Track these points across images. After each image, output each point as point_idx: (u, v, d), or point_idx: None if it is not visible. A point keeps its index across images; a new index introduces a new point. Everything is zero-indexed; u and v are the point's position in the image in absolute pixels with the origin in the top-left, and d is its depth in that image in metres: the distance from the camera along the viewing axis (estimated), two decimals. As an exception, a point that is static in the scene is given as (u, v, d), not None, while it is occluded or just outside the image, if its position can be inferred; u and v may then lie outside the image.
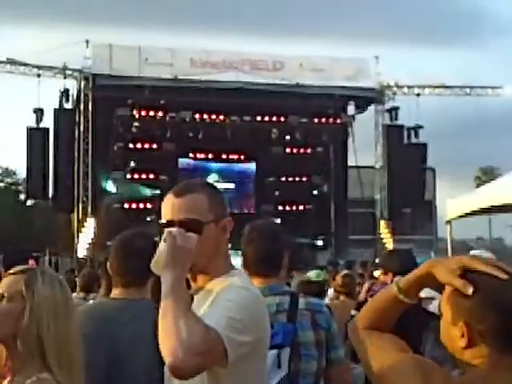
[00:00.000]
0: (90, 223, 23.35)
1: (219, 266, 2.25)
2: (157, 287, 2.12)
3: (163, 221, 2.25)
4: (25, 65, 23.81)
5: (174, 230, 2.11)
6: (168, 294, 1.98)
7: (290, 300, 3.16)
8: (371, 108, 27.00)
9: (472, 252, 5.27)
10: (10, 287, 2.10)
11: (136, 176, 26.31)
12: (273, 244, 3.25)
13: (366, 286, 5.07)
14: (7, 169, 43.46)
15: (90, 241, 23.14)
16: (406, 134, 25.74)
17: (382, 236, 25.83)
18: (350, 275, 7.21)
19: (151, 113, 25.05)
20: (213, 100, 24.29)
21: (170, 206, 2.25)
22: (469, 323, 1.62)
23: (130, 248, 2.98)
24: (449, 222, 8.88)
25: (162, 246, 2.09)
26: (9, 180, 43.90)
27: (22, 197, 37.69)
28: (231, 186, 28.29)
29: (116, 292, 2.93)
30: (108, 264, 3.05)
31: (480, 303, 1.61)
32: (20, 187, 40.30)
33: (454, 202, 8.82)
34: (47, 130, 23.57)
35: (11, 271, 2.15)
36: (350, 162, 27.94)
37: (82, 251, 23.00)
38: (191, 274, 2.22)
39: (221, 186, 28.16)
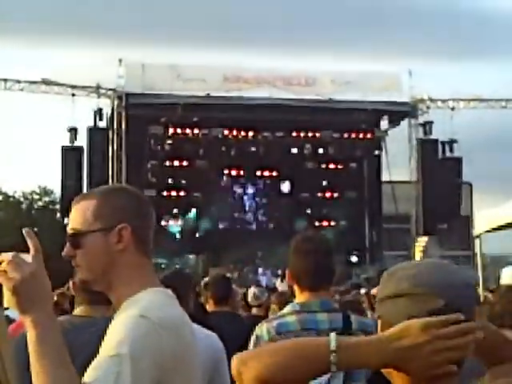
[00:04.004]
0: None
1: (125, 282, 1.92)
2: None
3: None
4: (59, 85, 24.10)
5: (6, 256, 1.71)
6: (31, 349, 1.67)
7: (342, 318, 3.04)
8: (404, 122, 26.81)
9: (505, 269, 5.11)
10: None
11: (169, 193, 26.34)
12: (327, 257, 3.17)
13: None
14: (45, 188, 43.93)
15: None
16: (440, 148, 25.49)
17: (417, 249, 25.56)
18: None
19: (184, 130, 25.18)
20: (245, 116, 24.36)
21: None
22: None
23: None
24: (478, 236, 8.70)
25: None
26: (47, 199, 44.36)
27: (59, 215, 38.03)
28: (264, 200, 28.30)
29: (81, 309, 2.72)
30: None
31: None
32: (57, 206, 40.68)
33: (482, 215, 8.64)
34: (81, 148, 23.81)
35: None
36: (384, 177, 27.74)
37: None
38: (91, 291, 1.93)
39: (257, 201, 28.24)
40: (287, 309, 3.18)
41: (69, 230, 1.96)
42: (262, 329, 3.11)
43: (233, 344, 3.50)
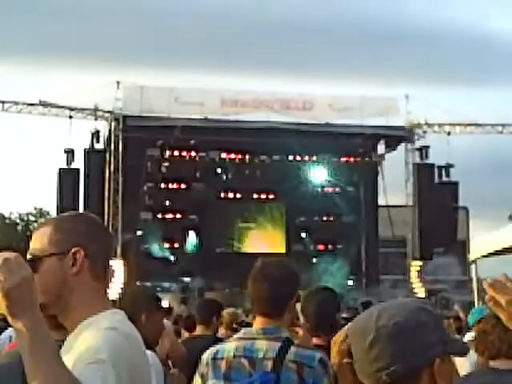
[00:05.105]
0: (118, 264, 22.89)
1: (81, 305, 1.93)
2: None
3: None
4: (57, 107, 24.11)
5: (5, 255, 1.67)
6: (26, 355, 1.63)
7: (279, 347, 2.92)
8: (401, 147, 26.89)
9: None
10: None
11: (166, 216, 26.30)
12: (277, 284, 3.09)
13: None
14: (41, 209, 43.89)
15: (122, 282, 22.72)
16: (436, 172, 25.54)
17: (411, 278, 25.51)
18: None
19: (181, 153, 25.22)
20: (242, 140, 24.41)
21: None
22: None
23: None
24: (474, 261, 8.67)
25: None
26: (43, 220, 44.26)
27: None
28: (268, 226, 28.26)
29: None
30: None
31: None
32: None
33: (478, 240, 8.62)
34: (78, 170, 23.75)
35: None
36: (381, 201, 27.77)
37: (114, 293, 22.60)
38: (48, 317, 1.93)
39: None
40: (235, 335, 3.16)
41: (28, 255, 1.97)
42: (205, 353, 3.09)
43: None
